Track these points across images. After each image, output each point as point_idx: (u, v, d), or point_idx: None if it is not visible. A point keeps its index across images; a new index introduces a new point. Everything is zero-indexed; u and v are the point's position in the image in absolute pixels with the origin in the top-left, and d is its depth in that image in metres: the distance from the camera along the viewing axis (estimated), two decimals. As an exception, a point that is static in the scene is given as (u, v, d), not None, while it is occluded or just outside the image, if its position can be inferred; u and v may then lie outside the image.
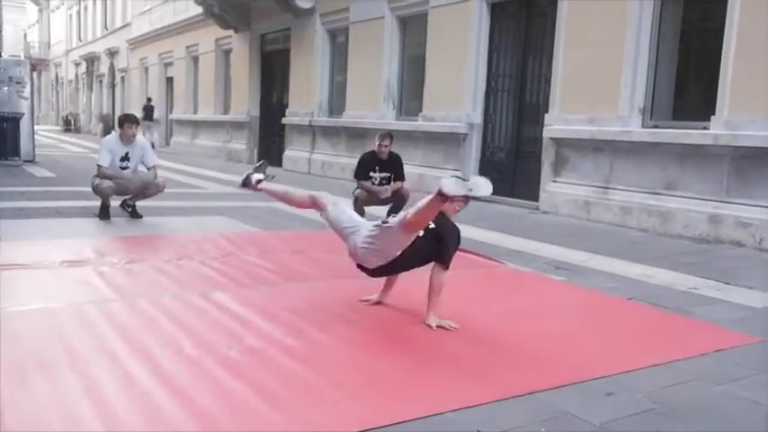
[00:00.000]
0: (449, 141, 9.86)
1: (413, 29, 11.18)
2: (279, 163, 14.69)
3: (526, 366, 2.91)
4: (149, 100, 22.19)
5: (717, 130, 6.45)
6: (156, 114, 22.61)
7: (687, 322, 3.72)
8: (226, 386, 2.51)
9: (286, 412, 2.31)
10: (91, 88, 34.23)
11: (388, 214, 6.81)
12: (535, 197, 8.41)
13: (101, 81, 32.19)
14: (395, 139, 7.14)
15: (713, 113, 6.54)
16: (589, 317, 3.75)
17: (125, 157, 6.54)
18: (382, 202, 6.82)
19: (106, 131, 20.21)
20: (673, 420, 2.40)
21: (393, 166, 6.88)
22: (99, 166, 6.46)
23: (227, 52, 17.81)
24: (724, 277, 4.84)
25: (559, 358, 3.03)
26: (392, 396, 2.51)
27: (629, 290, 4.41)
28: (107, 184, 6.38)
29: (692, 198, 6.71)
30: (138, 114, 23.62)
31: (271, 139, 15.68)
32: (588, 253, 5.62)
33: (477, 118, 9.58)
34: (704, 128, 6.62)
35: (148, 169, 6.72)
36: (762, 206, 6.11)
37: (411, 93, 11.24)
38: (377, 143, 6.85)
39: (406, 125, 10.79)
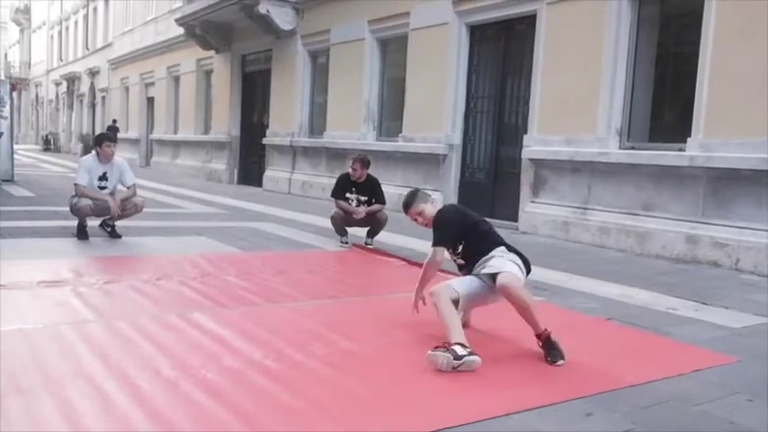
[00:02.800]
0: (429, 162, 9.93)
1: (393, 50, 11.30)
2: (259, 183, 14.68)
3: (505, 387, 2.92)
4: (114, 121, 23.19)
5: (692, 152, 6.57)
6: (137, 134, 22.61)
7: (665, 342, 3.76)
8: (204, 408, 2.48)
9: (265, 435, 2.29)
10: (71, 108, 34.03)
11: (368, 236, 6.83)
12: (514, 218, 8.48)
13: (81, 101, 32.03)
14: (375, 161, 7.14)
15: (689, 135, 6.66)
16: (567, 337, 3.76)
17: (103, 177, 6.50)
18: (359, 224, 6.81)
19: (86, 151, 20.21)
20: (651, 440, 2.42)
21: (370, 190, 6.86)
22: (76, 184, 6.41)
23: (209, 73, 17.83)
24: (701, 297, 4.90)
25: (538, 379, 3.04)
26: (370, 418, 2.50)
27: (607, 310, 4.45)
28: (84, 202, 6.32)
29: (669, 219, 6.80)
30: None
31: (251, 159, 15.68)
32: (567, 273, 5.66)
33: (457, 139, 9.67)
34: (680, 149, 6.74)
35: (128, 188, 6.67)
36: (737, 227, 6.21)
37: (391, 114, 11.32)
38: (349, 165, 6.87)
39: (386, 146, 10.85)
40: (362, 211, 6.70)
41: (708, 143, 6.47)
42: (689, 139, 6.65)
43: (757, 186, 6.08)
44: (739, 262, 6.11)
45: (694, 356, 3.48)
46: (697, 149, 6.55)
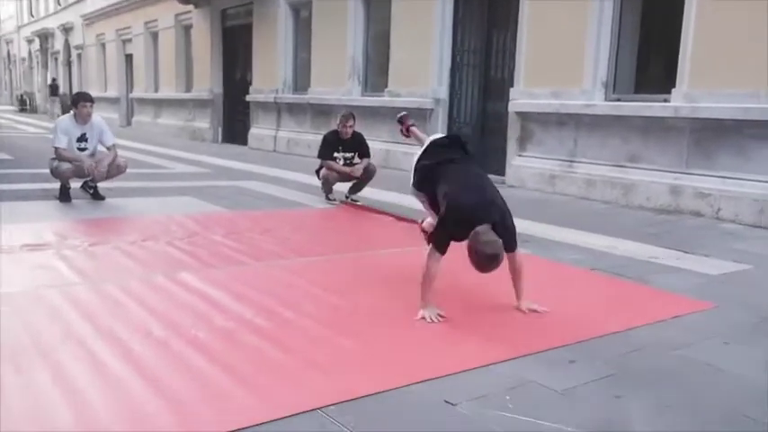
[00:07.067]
0: (415, 117, 9.69)
1: (377, 4, 11.07)
2: (244, 141, 14.55)
3: (489, 338, 2.98)
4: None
5: (677, 103, 6.58)
6: (116, 93, 22.24)
7: (646, 291, 3.84)
8: (196, 368, 2.52)
9: (256, 392, 2.34)
10: (45, 66, 33.14)
11: (351, 191, 6.82)
12: (501, 171, 8.48)
13: (56, 59, 31.20)
14: (361, 116, 7.08)
15: (674, 86, 6.66)
16: (552, 288, 3.83)
17: (82, 138, 6.39)
18: (349, 179, 6.80)
19: (64, 111, 19.81)
20: (630, 385, 2.49)
21: (357, 145, 6.83)
22: (56, 148, 6.31)
23: (188, 28, 17.43)
24: (683, 246, 4.98)
25: (524, 328, 3.11)
26: (360, 371, 2.55)
27: (593, 261, 4.52)
28: (66, 166, 6.24)
29: (654, 170, 6.85)
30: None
31: (236, 117, 15.48)
32: (553, 226, 5.71)
33: (443, 93, 9.59)
34: (665, 101, 6.74)
35: (108, 149, 6.58)
36: (719, 176, 6.27)
37: (376, 69, 11.18)
38: (340, 124, 6.75)
39: (371, 101, 10.75)
40: (360, 168, 6.68)
41: (692, 94, 6.47)
42: (673, 91, 6.65)
43: (739, 136, 6.12)
44: (720, 211, 6.19)
45: (674, 304, 3.57)
46: (681, 100, 6.55)
